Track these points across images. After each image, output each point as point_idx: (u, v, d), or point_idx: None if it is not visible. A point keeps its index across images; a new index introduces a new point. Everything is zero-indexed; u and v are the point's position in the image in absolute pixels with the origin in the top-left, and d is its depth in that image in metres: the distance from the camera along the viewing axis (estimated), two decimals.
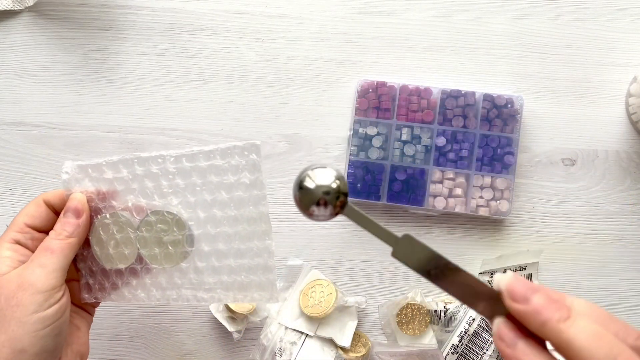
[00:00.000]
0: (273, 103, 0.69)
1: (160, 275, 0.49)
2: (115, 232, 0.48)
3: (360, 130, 0.67)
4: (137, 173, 0.48)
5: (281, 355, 0.66)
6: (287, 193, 0.69)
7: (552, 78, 0.68)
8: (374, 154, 0.67)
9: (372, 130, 0.67)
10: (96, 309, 0.55)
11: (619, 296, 0.68)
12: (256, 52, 0.69)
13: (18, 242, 0.47)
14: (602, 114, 0.69)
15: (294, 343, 0.66)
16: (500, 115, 0.67)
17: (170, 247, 0.47)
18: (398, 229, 0.68)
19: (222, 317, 0.65)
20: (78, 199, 0.48)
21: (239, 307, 0.64)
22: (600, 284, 0.68)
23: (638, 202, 0.68)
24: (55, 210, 0.50)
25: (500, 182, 0.66)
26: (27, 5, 0.69)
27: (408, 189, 0.66)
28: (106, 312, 0.69)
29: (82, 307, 0.52)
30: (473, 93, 0.67)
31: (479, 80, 0.69)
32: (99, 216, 0.49)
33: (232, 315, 0.65)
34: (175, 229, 0.47)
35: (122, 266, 0.49)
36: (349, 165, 0.67)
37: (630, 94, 0.67)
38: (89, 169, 0.49)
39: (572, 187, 0.69)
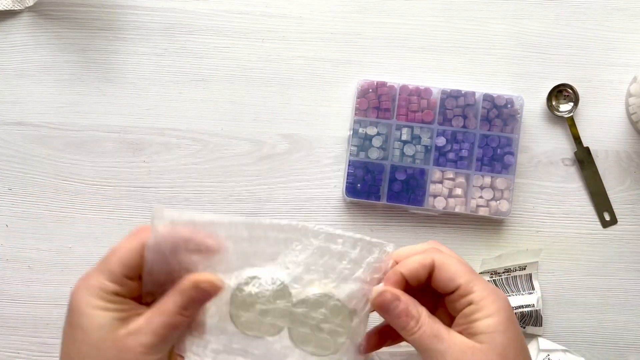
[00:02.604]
0: (273, 103, 0.69)
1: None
2: (268, 298, 0.43)
3: (360, 130, 0.67)
4: (243, 236, 0.43)
5: None
6: (287, 193, 0.69)
7: (552, 78, 0.68)
8: (374, 154, 0.67)
9: (372, 130, 0.67)
10: None
11: (619, 296, 0.68)
12: (256, 52, 0.69)
13: (118, 294, 0.42)
14: (602, 114, 0.69)
15: None
16: (500, 115, 0.67)
17: (327, 335, 0.43)
18: (398, 229, 0.68)
19: None
20: (217, 281, 0.42)
21: None
22: (600, 284, 0.68)
23: (638, 202, 0.68)
24: None
25: (500, 182, 0.66)
26: (27, 5, 0.69)
27: (408, 189, 0.66)
28: None
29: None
30: (473, 93, 0.67)
31: (479, 80, 0.69)
32: (235, 276, 0.43)
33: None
34: (339, 318, 0.43)
35: (269, 338, 0.43)
36: (349, 165, 0.67)
37: (630, 94, 0.67)
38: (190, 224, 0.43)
39: (572, 187, 0.69)
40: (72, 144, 0.69)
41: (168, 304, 0.42)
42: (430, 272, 0.44)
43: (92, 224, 0.69)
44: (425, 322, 0.42)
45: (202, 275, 0.42)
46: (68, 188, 0.69)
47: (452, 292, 0.43)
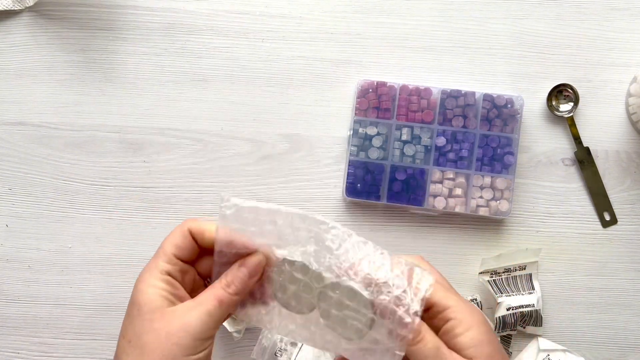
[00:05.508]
0: (273, 103, 0.69)
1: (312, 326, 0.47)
2: (301, 279, 0.46)
3: (360, 130, 0.67)
4: (297, 227, 0.45)
5: (281, 355, 0.65)
6: (287, 193, 0.69)
7: (552, 78, 0.69)
8: (374, 154, 0.67)
9: (372, 130, 0.67)
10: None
11: (619, 296, 0.68)
12: (256, 52, 0.69)
13: (169, 274, 0.45)
14: (602, 114, 0.69)
15: (294, 343, 0.66)
16: (500, 115, 0.67)
17: (349, 321, 0.45)
18: (398, 229, 0.68)
19: None
20: (260, 261, 0.45)
21: None
22: (600, 284, 0.68)
23: (638, 202, 0.68)
24: (198, 243, 0.47)
25: (500, 182, 0.66)
26: (27, 5, 0.69)
27: (408, 189, 0.66)
28: (105, 311, 0.69)
29: None
30: (473, 93, 0.67)
31: (478, 80, 0.69)
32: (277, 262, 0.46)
33: (232, 315, 0.65)
34: (362, 308, 0.45)
35: (298, 316, 0.47)
36: (349, 165, 0.67)
37: (630, 94, 0.68)
38: (248, 212, 0.46)
39: (572, 187, 0.69)
40: (72, 144, 0.69)
41: (216, 283, 0.45)
42: None
43: (92, 224, 0.69)
44: (426, 335, 0.42)
45: (251, 258, 0.45)
46: (68, 188, 0.69)
47: (429, 308, 0.43)
